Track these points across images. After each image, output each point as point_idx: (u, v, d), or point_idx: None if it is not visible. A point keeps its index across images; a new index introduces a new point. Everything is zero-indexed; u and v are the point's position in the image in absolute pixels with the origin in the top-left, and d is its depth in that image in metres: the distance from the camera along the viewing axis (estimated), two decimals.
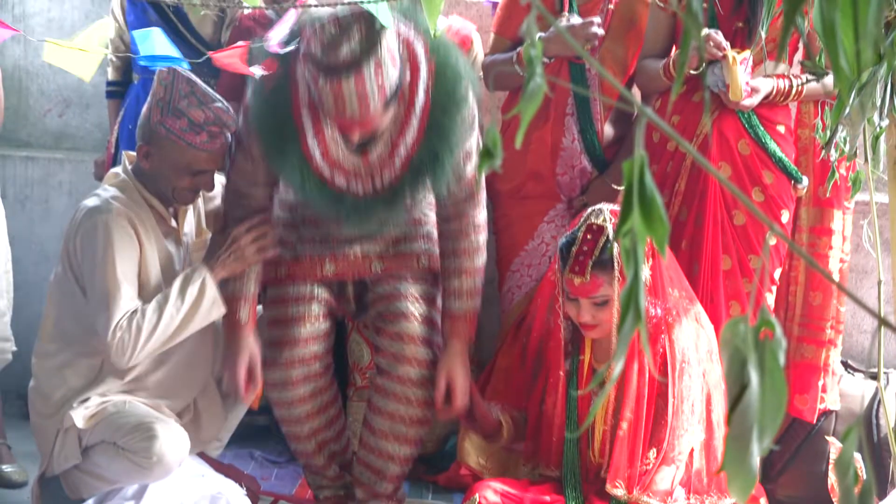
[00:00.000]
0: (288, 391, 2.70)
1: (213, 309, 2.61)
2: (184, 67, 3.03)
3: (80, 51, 2.40)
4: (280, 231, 2.75)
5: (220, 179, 2.80)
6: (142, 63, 3.38)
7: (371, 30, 2.31)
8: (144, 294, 2.61)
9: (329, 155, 2.54)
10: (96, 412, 2.62)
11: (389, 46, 2.35)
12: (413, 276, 2.73)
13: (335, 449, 2.85)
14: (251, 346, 2.68)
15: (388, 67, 2.35)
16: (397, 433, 2.69)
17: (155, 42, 2.62)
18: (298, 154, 2.53)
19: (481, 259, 2.75)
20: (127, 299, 2.53)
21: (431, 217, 2.77)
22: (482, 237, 2.74)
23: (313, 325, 2.70)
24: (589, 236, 2.56)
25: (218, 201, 2.86)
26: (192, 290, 2.57)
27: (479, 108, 2.63)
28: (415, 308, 2.68)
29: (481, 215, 2.73)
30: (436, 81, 2.50)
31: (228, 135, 2.68)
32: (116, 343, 2.50)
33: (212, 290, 2.59)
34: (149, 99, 2.68)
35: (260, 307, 2.83)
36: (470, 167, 2.63)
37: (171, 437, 2.56)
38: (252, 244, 2.64)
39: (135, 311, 2.53)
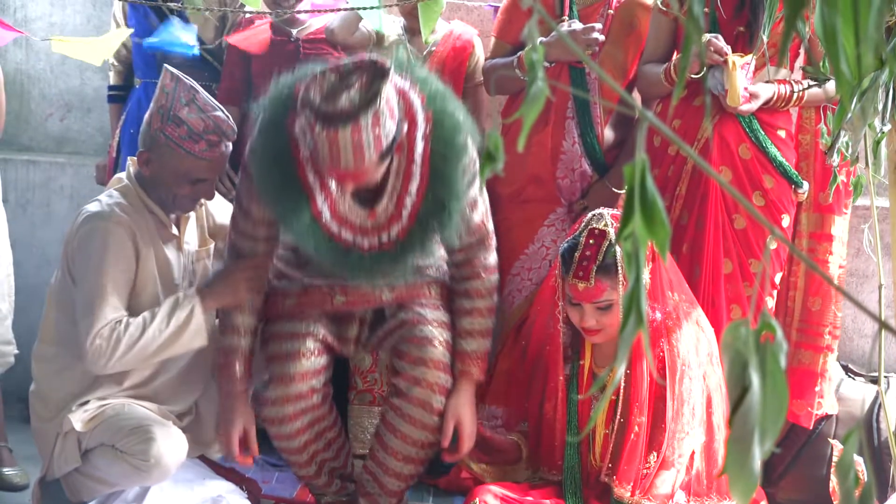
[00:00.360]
0: (285, 426, 2.67)
1: (195, 338, 2.60)
2: (193, 55, 3.02)
3: (87, 43, 2.41)
4: (284, 267, 2.74)
5: (223, 201, 2.81)
6: (146, 46, 3.37)
7: (372, 81, 2.28)
8: (140, 299, 2.62)
9: (337, 212, 2.52)
10: (95, 415, 2.63)
11: (389, 99, 2.31)
12: (432, 303, 2.73)
13: (335, 465, 2.85)
14: (245, 413, 2.67)
15: (386, 120, 2.31)
16: (407, 454, 2.69)
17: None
18: (308, 214, 2.49)
19: (493, 299, 2.74)
20: (111, 309, 2.53)
21: (440, 251, 2.73)
22: (494, 277, 2.73)
23: (309, 360, 2.65)
24: (591, 241, 2.56)
25: (220, 218, 2.86)
26: (180, 316, 2.56)
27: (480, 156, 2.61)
28: (438, 333, 2.67)
29: (492, 258, 2.72)
30: (434, 130, 2.47)
31: (228, 144, 2.68)
32: (94, 350, 2.51)
33: (198, 320, 2.58)
34: (151, 105, 2.68)
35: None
36: (476, 214, 2.62)
37: (169, 440, 2.56)
38: (246, 279, 2.64)
39: (118, 322, 2.53)
